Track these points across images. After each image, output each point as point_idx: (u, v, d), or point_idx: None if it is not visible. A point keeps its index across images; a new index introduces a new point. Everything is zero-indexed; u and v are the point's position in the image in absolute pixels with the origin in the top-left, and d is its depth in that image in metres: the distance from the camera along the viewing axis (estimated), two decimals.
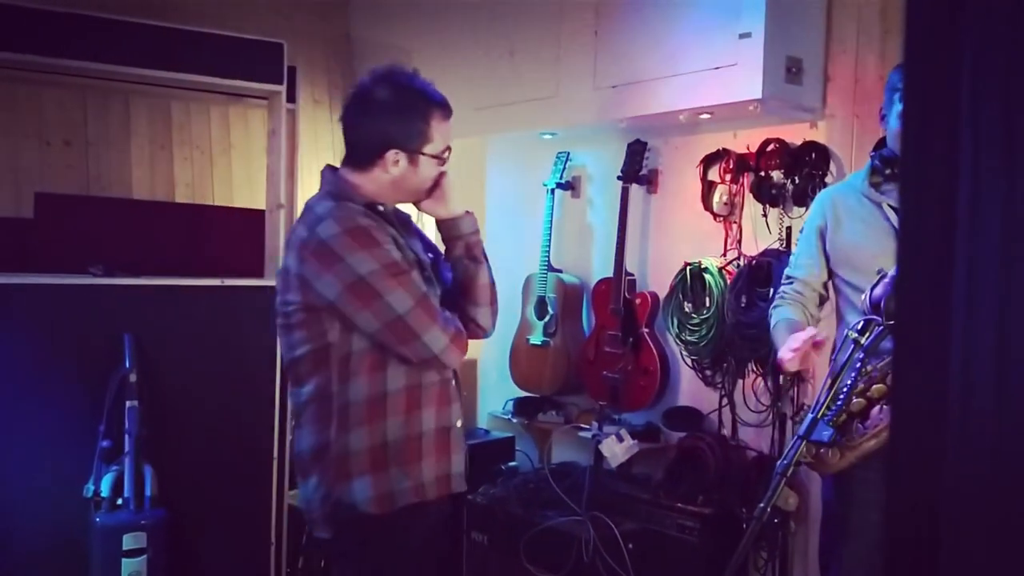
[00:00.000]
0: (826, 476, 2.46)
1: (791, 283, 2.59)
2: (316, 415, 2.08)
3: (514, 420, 4.27)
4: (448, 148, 2.19)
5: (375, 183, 2.15)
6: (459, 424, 2.19)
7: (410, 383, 2.09)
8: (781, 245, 3.36)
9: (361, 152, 2.16)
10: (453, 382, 2.20)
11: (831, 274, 2.52)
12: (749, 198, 3.49)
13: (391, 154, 2.11)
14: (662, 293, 3.72)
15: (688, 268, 3.57)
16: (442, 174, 2.21)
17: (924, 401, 0.58)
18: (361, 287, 1.98)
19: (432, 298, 2.07)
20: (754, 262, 3.35)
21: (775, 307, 2.61)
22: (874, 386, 2.09)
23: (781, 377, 3.26)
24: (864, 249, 2.39)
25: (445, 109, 2.17)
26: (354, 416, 2.05)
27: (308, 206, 2.16)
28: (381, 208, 2.16)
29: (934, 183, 0.57)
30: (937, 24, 0.57)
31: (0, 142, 3.98)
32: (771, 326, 2.59)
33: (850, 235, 2.44)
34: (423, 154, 2.13)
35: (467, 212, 2.26)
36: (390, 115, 2.11)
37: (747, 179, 3.48)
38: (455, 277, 2.24)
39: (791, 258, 2.65)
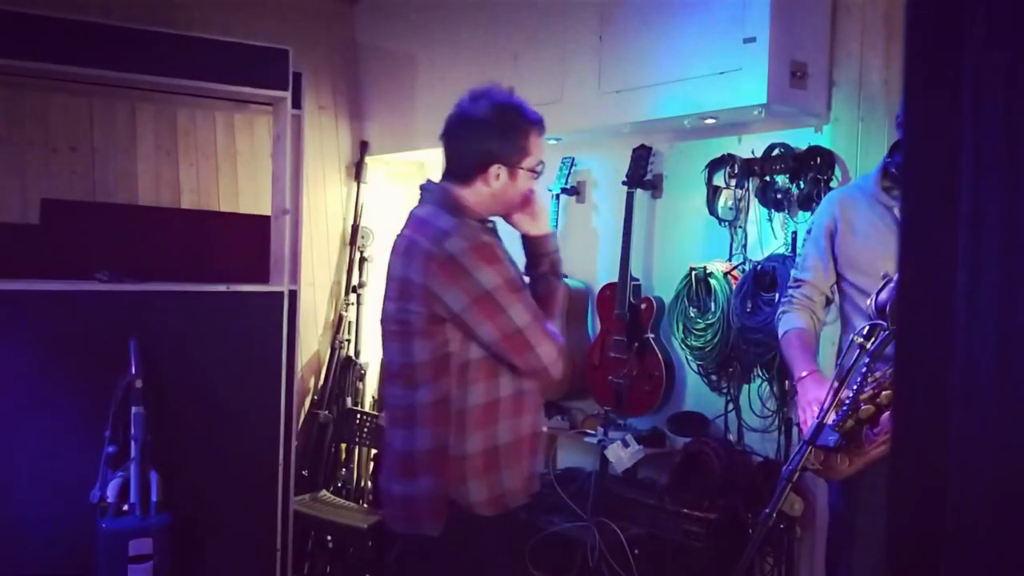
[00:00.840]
0: (833, 481, 2.46)
1: (799, 287, 2.59)
2: (434, 418, 2.18)
3: None
4: (542, 162, 2.32)
5: (477, 195, 2.27)
6: (545, 429, 2.38)
7: (516, 389, 2.23)
8: (787, 250, 3.35)
9: (465, 166, 2.27)
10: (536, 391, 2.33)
11: (838, 276, 2.52)
12: (754, 203, 3.48)
13: (494, 168, 2.24)
14: (667, 298, 3.71)
15: (693, 273, 3.57)
16: (531, 190, 2.34)
17: (925, 404, 0.57)
18: (486, 301, 2.11)
19: (536, 309, 2.20)
20: (759, 267, 3.34)
21: (782, 312, 2.61)
22: (883, 392, 2.08)
23: (787, 382, 3.25)
24: (872, 252, 2.40)
25: (540, 126, 2.30)
26: (471, 420, 2.17)
27: (422, 218, 2.26)
28: (491, 225, 2.31)
29: (935, 185, 0.57)
30: (938, 25, 0.57)
31: (6, 148, 3.99)
32: (779, 334, 2.59)
33: (860, 238, 2.44)
34: (522, 168, 2.26)
35: (552, 231, 2.40)
36: (493, 131, 2.25)
37: (752, 184, 3.48)
38: (536, 292, 2.32)
39: (797, 260, 2.65)
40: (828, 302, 2.58)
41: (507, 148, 2.24)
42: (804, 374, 2.44)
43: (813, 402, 2.31)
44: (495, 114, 2.26)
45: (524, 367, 2.18)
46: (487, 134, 2.24)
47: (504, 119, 2.25)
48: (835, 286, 2.55)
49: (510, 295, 2.12)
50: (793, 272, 2.66)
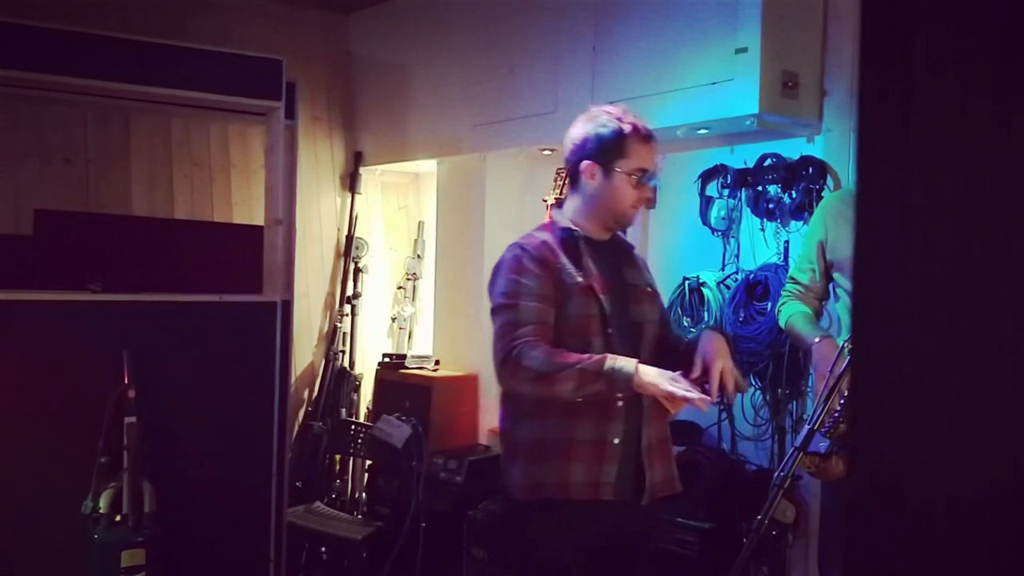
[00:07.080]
0: (827, 488, 2.48)
1: (794, 283, 2.76)
2: (505, 405, 2.44)
3: None
4: (643, 170, 2.36)
5: (577, 201, 2.42)
6: (616, 441, 2.31)
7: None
8: (779, 259, 3.36)
9: (569, 170, 2.43)
10: (620, 403, 2.31)
11: (832, 279, 2.60)
12: (747, 212, 3.49)
13: (586, 165, 2.35)
14: None
15: (686, 283, 3.57)
16: (637, 200, 2.39)
17: (885, 411, 0.57)
18: (495, 300, 2.35)
19: (519, 321, 2.27)
20: (752, 277, 3.35)
21: (781, 304, 2.76)
22: None
23: (779, 391, 3.26)
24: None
25: (639, 132, 2.36)
26: (525, 411, 2.35)
27: None
28: (576, 234, 2.38)
29: (888, 188, 0.57)
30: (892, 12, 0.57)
31: (0, 160, 3.99)
32: (782, 323, 2.75)
33: (847, 244, 2.49)
34: (616, 169, 2.33)
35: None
36: (591, 131, 2.36)
37: (744, 194, 3.49)
38: None
39: (794, 258, 2.77)
40: (823, 297, 2.68)
41: (600, 146, 2.33)
42: (817, 339, 2.56)
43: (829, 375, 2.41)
44: (596, 115, 2.38)
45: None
46: (585, 133, 2.36)
47: (602, 120, 2.36)
48: (829, 286, 2.65)
49: (505, 301, 2.30)
50: (790, 271, 2.77)
